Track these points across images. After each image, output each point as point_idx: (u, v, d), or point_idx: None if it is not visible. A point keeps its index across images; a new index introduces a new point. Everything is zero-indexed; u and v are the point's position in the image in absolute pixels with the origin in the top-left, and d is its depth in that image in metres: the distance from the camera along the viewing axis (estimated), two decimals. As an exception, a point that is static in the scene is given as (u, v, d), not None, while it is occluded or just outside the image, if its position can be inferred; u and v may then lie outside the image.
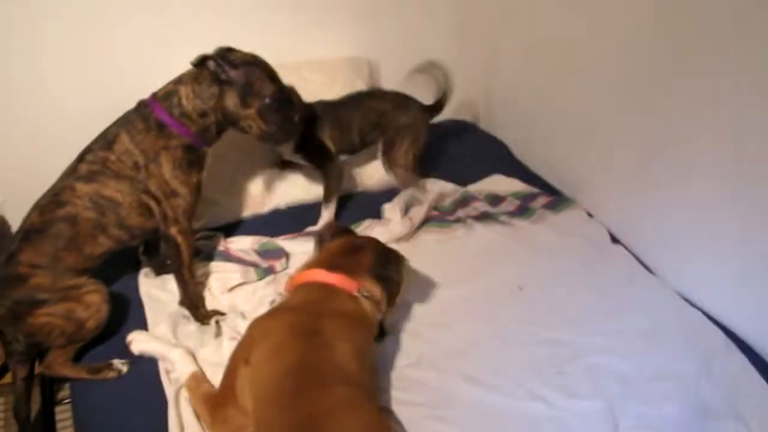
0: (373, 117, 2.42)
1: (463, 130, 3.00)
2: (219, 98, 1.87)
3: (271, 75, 1.90)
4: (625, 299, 2.04)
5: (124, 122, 1.91)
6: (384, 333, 1.88)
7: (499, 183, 2.59)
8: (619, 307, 2.01)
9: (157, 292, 2.11)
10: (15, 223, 2.65)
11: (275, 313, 1.68)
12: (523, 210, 2.42)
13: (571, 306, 2.01)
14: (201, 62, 1.85)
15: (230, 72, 1.84)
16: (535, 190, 2.54)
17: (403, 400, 1.73)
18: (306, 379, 1.46)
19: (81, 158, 1.90)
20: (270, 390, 1.48)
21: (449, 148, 2.84)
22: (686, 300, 2.04)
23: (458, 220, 2.38)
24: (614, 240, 2.30)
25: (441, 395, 1.74)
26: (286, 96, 1.95)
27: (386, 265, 1.74)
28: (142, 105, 1.91)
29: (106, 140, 1.89)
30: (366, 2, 2.84)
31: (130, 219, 1.91)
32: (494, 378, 1.78)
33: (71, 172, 1.89)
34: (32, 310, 1.79)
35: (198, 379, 1.75)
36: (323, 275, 1.67)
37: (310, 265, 1.75)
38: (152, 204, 1.92)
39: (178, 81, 1.90)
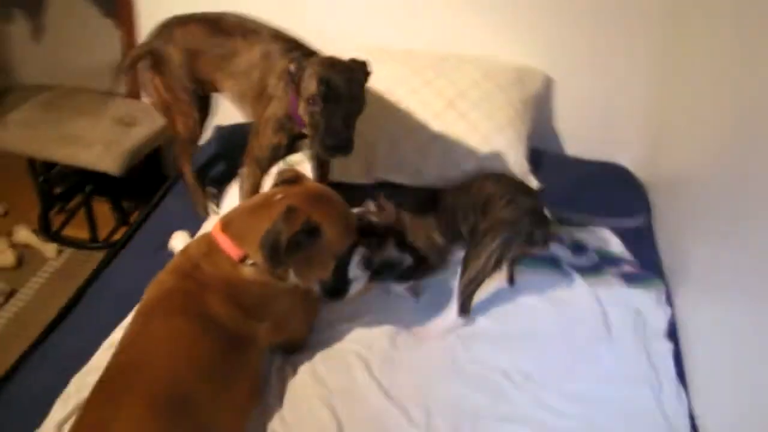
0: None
1: (614, 174, 2.74)
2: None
3: (326, 76, 1.78)
4: (616, 391, 1.78)
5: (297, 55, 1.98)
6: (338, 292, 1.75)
7: (600, 235, 2.34)
8: (601, 396, 1.76)
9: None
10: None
11: (178, 254, 1.75)
12: (595, 269, 2.17)
13: (552, 368, 1.83)
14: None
15: (303, 73, 1.82)
16: (628, 257, 2.25)
17: (319, 373, 1.76)
18: (161, 304, 1.58)
19: (270, 42, 2.06)
20: (137, 310, 1.64)
21: (588, 187, 2.63)
22: (693, 429, 1.72)
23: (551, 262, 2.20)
24: (672, 337, 1.98)
25: (348, 388, 1.73)
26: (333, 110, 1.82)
27: (275, 236, 1.53)
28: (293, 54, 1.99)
29: (283, 50, 2.02)
30: (560, 16, 2.72)
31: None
32: (406, 397, 1.72)
33: None
34: None
35: None
36: (216, 231, 1.66)
37: (223, 215, 1.75)
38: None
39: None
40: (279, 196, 1.65)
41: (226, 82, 2.16)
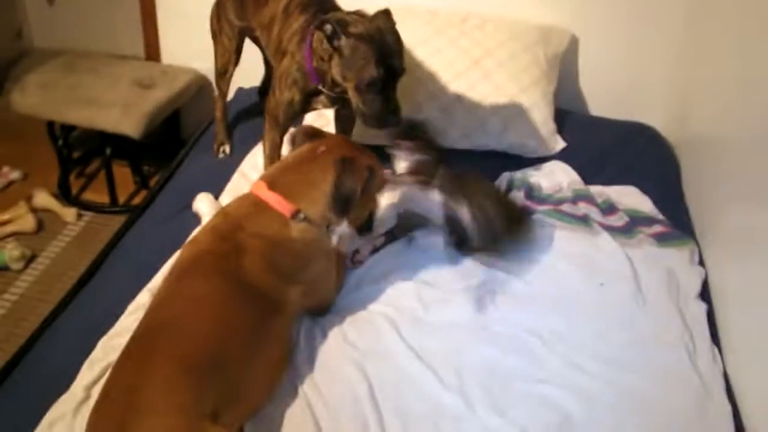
0: None
1: (641, 134, 2.69)
2: (329, 59, 1.82)
3: (382, 56, 1.75)
4: (650, 353, 1.75)
5: (316, 10, 1.96)
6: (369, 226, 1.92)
7: (628, 195, 2.30)
8: (636, 358, 1.73)
9: (249, 170, 2.33)
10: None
11: (216, 214, 1.74)
12: (627, 229, 2.14)
13: (587, 331, 1.80)
14: (320, 25, 1.78)
15: (340, 41, 1.76)
16: (658, 216, 2.21)
17: (351, 339, 1.73)
18: (197, 265, 1.55)
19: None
20: (170, 269, 1.62)
21: (615, 147, 2.58)
22: (729, 389, 1.69)
23: (582, 220, 2.17)
24: (705, 297, 1.95)
25: (377, 350, 1.70)
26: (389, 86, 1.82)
27: (342, 185, 1.61)
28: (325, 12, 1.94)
29: (302, 6, 2.00)
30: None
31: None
32: (439, 360, 1.69)
33: None
34: None
35: None
36: (262, 190, 1.65)
37: (263, 175, 1.74)
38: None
39: (321, 24, 1.82)
40: (321, 148, 1.67)
41: (259, 31, 2.17)
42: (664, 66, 2.73)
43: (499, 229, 1.93)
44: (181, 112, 3.17)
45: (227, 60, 2.39)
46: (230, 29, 2.31)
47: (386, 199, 2.00)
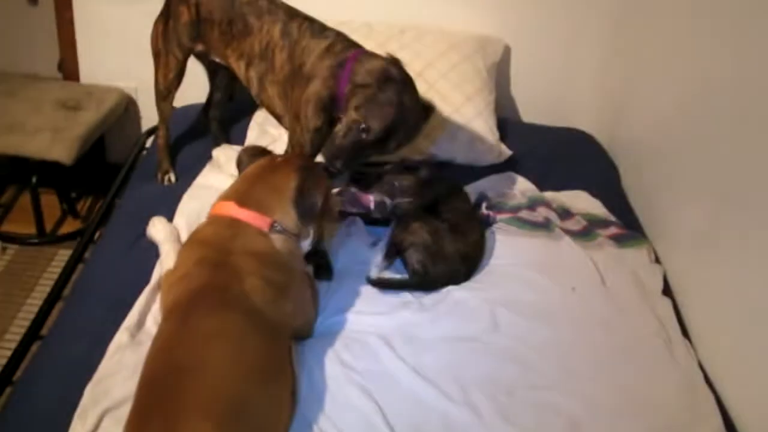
0: None
1: (578, 140, 2.80)
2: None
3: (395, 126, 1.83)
4: (632, 351, 1.83)
5: (340, 37, 1.99)
6: (328, 265, 1.94)
7: (580, 199, 2.40)
8: (620, 357, 1.81)
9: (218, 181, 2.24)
10: (146, 108, 2.92)
11: (188, 243, 1.69)
12: (586, 233, 2.22)
13: (569, 336, 1.86)
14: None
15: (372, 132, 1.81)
16: (612, 218, 2.31)
17: (348, 362, 1.70)
18: (201, 300, 1.49)
19: (287, 22, 2.02)
20: (170, 304, 1.54)
21: (556, 153, 2.67)
22: (706, 378, 1.79)
23: (542, 225, 2.23)
24: (667, 293, 2.05)
25: (377, 371, 1.69)
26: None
27: (306, 190, 1.66)
28: (344, 48, 1.95)
29: (313, 30, 2.00)
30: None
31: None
32: (441, 376, 1.70)
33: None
34: None
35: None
36: (234, 209, 1.63)
37: (225, 195, 1.72)
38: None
39: (379, 82, 1.83)
40: (278, 160, 1.74)
41: (237, 60, 2.11)
42: (595, 71, 2.87)
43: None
44: (106, 134, 3.02)
45: (171, 82, 2.30)
46: (179, 50, 2.22)
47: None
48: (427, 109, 1.94)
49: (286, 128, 2.11)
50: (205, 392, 1.33)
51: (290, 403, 1.53)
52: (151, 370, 1.40)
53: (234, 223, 1.61)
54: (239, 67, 2.11)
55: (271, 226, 1.62)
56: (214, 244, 1.60)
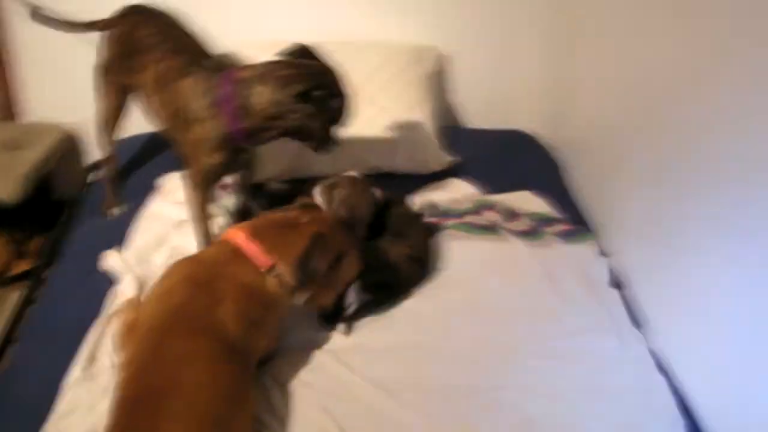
0: None
1: (520, 140, 2.86)
2: (306, 117, 1.80)
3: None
4: (585, 344, 1.88)
5: (202, 71, 1.86)
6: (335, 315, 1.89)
7: (525, 200, 2.45)
8: (573, 351, 1.86)
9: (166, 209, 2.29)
10: (90, 143, 2.90)
11: (186, 258, 1.71)
12: (533, 232, 2.27)
13: (522, 334, 1.90)
14: (305, 93, 1.76)
15: (333, 102, 1.81)
16: (557, 215, 2.37)
17: (306, 380, 1.73)
18: (177, 322, 1.52)
19: (159, 62, 1.93)
20: (147, 325, 1.54)
21: (499, 156, 2.73)
22: (658, 366, 1.84)
23: (489, 229, 2.28)
24: (616, 284, 2.11)
25: (332, 385, 1.73)
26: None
27: (310, 258, 1.64)
28: (216, 70, 1.85)
29: (178, 70, 1.88)
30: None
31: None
32: (397, 385, 1.73)
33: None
34: None
35: (130, 305, 1.83)
36: (242, 239, 1.65)
37: (241, 225, 1.75)
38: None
39: (262, 76, 1.78)
40: (305, 218, 1.71)
41: (138, 92, 2.06)
42: (534, 72, 2.93)
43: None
44: (51, 172, 2.99)
45: (107, 112, 2.28)
46: (112, 82, 2.20)
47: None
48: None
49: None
50: (182, 412, 1.38)
51: (252, 424, 1.56)
52: (127, 393, 1.43)
53: (236, 252, 1.63)
54: (142, 100, 2.07)
55: (270, 269, 1.62)
56: (207, 264, 1.63)
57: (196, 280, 1.59)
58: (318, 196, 2.08)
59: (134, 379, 1.45)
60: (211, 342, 1.50)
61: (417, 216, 2.23)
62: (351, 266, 1.76)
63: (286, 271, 1.63)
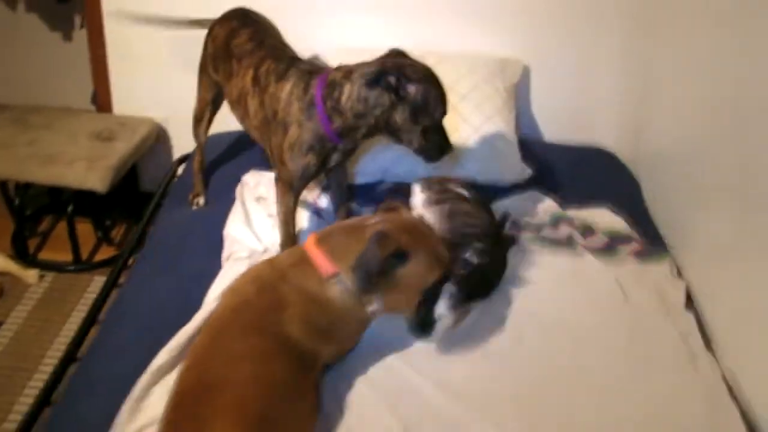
0: None
1: (599, 157, 2.83)
2: (388, 110, 1.80)
3: (443, 94, 1.82)
4: (655, 371, 1.84)
5: (299, 74, 1.92)
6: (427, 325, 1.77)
7: (602, 216, 2.42)
8: (643, 377, 1.82)
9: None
10: (176, 137, 3.02)
11: (263, 261, 1.76)
12: (609, 249, 2.25)
13: (593, 353, 1.88)
14: (377, 79, 1.76)
15: (409, 88, 1.77)
16: (634, 234, 2.34)
17: (374, 379, 1.74)
18: (234, 320, 1.57)
19: (257, 67, 2.01)
20: (210, 321, 1.61)
21: (577, 171, 2.71)
22: (730, 392, 1.79)
23: (565, 243, 2.27)
24: (690, 305, 2.07)
25: (409, 388, 1.73)
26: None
27: (366, 257, 1.56)
28: (312, 73, 1.91)
29: (277, 74, 1.96)
30: (533, 7, 2.81)
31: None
32: (466, 391, 1.73)
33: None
34: None
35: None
36: (309, 245, 1.67)
37: (320, 231, 1.76)
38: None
39: (348, 74, 1.82)
40: (374, 220, 1.67)
41: (227, 99, 2.19)
42: (615, 88, 2.90)
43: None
44: (138, 164, 3.12)
45: (202, 107, 2.39)
46: (207, 80, 2.32)
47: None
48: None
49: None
50: (233, 407, 1.40)
51: (310, 422, 1.58)
52: (182, 386, 1.48)
53: (303, 257, 1.65)
54: (234, 110, 2.15)
55: (333, 276, 1.61)
56: (276, 268, 1.66)
57: (263, 282, 1.63)
58: (419, 192, 2.15)
59: (188, 373, 1.50)
60: (266, 342, 1.53)
61: (499, 230, 2.23)
62: (420, 268, 1.62)
63: (348, 278, 1.61)
